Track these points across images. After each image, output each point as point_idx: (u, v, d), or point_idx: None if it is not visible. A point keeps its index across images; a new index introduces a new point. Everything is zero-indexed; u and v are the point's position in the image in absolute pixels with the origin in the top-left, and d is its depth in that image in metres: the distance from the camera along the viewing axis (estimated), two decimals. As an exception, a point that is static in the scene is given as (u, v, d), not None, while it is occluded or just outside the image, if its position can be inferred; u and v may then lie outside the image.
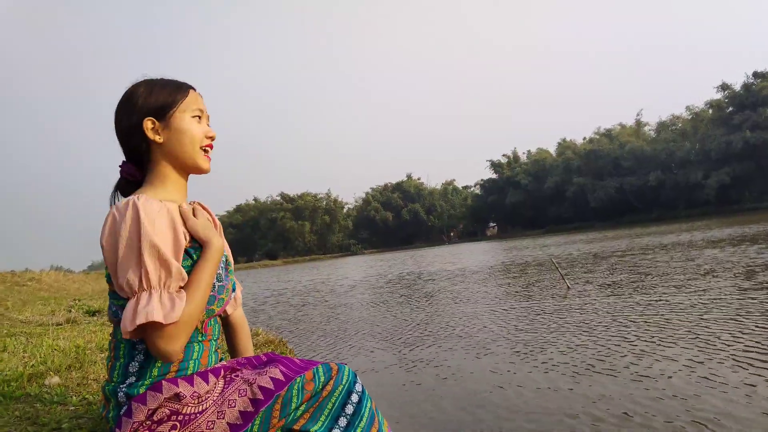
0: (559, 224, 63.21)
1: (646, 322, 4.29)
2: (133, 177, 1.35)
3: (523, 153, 78.34)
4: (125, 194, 1.35)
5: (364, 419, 1.30)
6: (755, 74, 50.87)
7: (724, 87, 52.52)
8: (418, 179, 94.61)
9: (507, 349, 3.88)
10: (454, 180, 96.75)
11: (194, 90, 1.40)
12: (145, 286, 1.14)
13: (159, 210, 1.21)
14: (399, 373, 3.61)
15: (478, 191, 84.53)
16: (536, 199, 68.70)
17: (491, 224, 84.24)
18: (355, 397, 1.32)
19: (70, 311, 7.87)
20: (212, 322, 1.35)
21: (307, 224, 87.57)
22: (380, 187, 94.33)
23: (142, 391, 1.18)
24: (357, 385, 1.34)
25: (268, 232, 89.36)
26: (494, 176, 78.85)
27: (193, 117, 1.35)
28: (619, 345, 3.62)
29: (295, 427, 1.25)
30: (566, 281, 7.26)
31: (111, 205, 1.33)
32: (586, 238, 25.13)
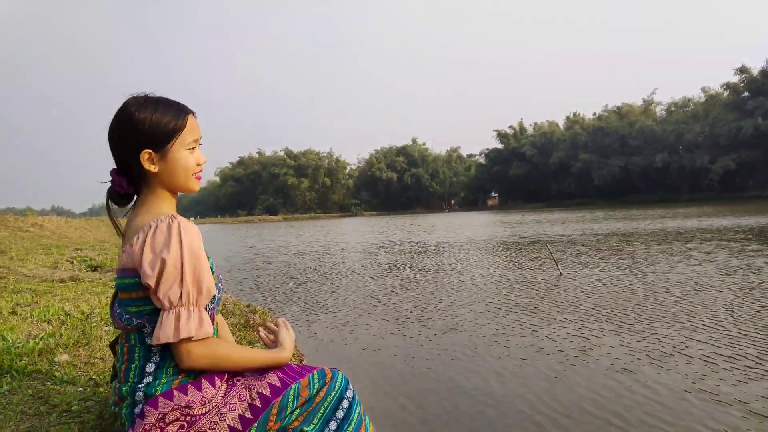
0: (561, 199, 63.21)
1: (632, 314, 4.42)
2: (124, 190, 1.40)
3: (530, 125, 77.54)
4: (119, 205, 1.44)
5: (353, 423, 1.44)
6: (775, 59, 49.73)
7: (742, 70, 51.52)
8: (423, 144, 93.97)
9: (479, 334, 4.02)
10: (459, 147, 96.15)
11: (193, 115, 1.44)
12: (183, 302, 1.28)
13: (196, 232, 1.33)
14: (388, 357, 3.76)
15: (482, 161, 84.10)
16: (540, 172, 68.45)
17: (493, 194, 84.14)
18: (345, 403, 1.45)
19: (72, 263, 8.04)
20: (214, 323, 1.46)
21: (305, 181, 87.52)
22: (385, 149, 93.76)
23: (159, 390, 1.30)
24: (348, 391, 1.48)
25: (269, 187, 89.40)
26: (500, 146, 78.29)
27: (188, 149, 1.40)
28: (598, 336, 3.75)
29: (290, 428, 1.38)
30: (559, 267, 7.38)
31: (109, 214, 1.45)
32: (588, 217, 25.21)
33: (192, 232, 1.32)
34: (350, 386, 1.49)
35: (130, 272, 1.32)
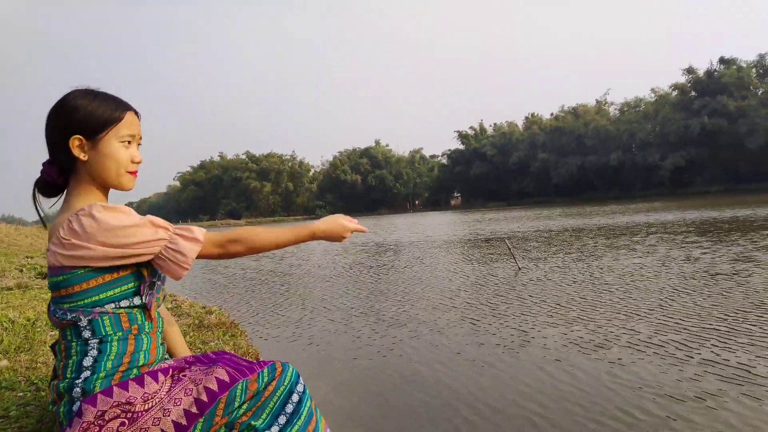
0: (522, 198, 64.54)
1: (573, 306, 4.58)
2: (53, 181, 1.38)
3: (490, 125, 78.89)
4: (46, 196, 1.41)
5: (302, 418, 1.42)
6: (721, 60, 52.08)
7: (690, 71, 53.82)
8: (387, 146, 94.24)
9: (442, 329, 4.09)
10: (422, 148, 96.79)
11: (133, 111, 1.43)
12: (171, 229, 1.35)
13: (102, 204, 1.31)
14: (349, 353, 3.78)
15: (444, 161, 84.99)
16: (501, 172, 69.70)
17: (456, 194, 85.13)
18: (295, 397, 1.43)
19: (21, 271, 7.74)
20: (157, 314, 1.44)
21: (268, 185, 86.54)
22: (348, 151, 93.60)
23: (98, 387, 1.27)
24: (299, 385, 1.46)
25: (231, 191, 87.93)
26: (461, 147, 79.30)
27: (122, 142, 1.38)
28: (536, 327, 3.87)
29: (238, 422, 1.35)
30: (517, 262, 7.55)
31: (35, 205, 1.42)
32: (545, 214, 25.82)
33: (96, 205, 1.29)
34: (300, 380, 1.47)
35: (58, 270, 1.29)
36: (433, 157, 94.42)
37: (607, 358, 3.24)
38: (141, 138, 1.45)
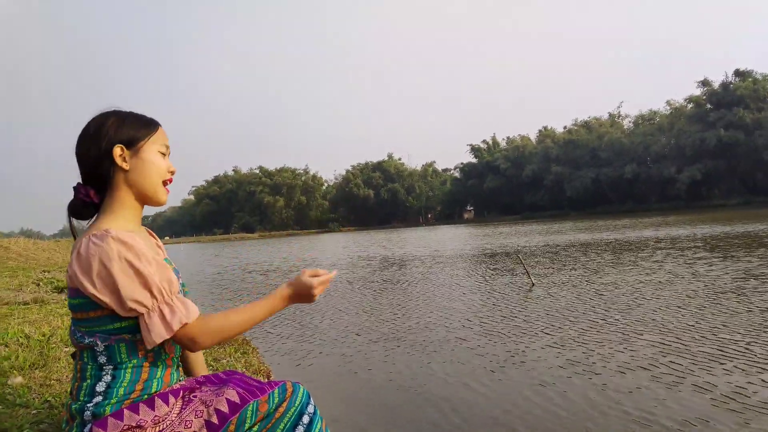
0: (535, 211, 64.16)
1: (603, 324, 4.51)
2: (90, 200, 1.39)
3: (503, 139, 78.88)
4: (81, 218, 1.40)
5: None
6: (737, 72, 51.77)
7: (704, 83, 53.45)
8: (399, 159, 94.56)
9: (459, 346, 4.06)
10: (434, 162, 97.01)
11: (161, 127, 1.47)
12: (159, 300, 1.26)
13: (132, 236, 1.27)
14: (354, 372, 3.76)
15: (457, 175, 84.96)
16: (514, 185, 69.47)
17: (469, 207, 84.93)
18: (306, 419, 1.42)
19: (38, 285, 7.84)
20: (173, 342, 1.41)
21: (281, 199, 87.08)
22: (361, 165, 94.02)
23: (108, 411, 1.27)
24: (309, 406, 1.45)
25: (245, 205, 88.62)
26: (474, 160, 79.28)
27: (160, 152, 1.42)
28: (568, 346, 3.82)
29: None
30: (531, 278, 7.48)
31: (71, 229, 1.40)
32: (560, 228, 25.61)
33: (127, 235, 1.27)
34: (311, 401, 1.46)
35: (74, 293, 1.29)
36: (445, 170, 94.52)
37: (600, 380, 3.18)
38: (169, 152, 1.49)
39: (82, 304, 1.29)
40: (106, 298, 1.24)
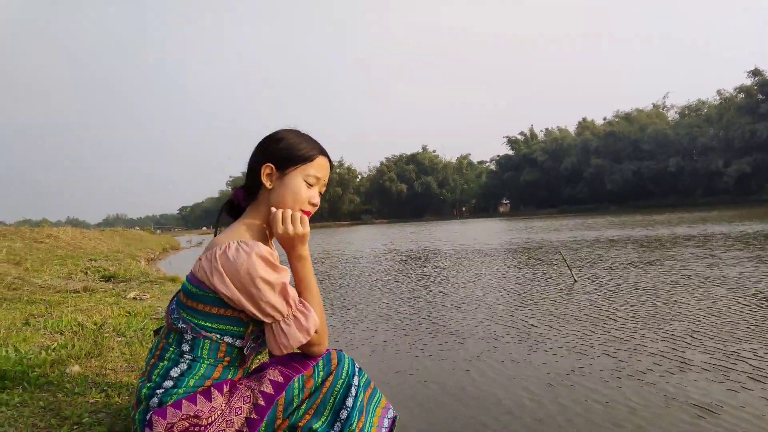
0: (573, 205, 62.85)
1: (649, 324, 4.34)
2: (238, 203, 1.52)
3: (541, 131, 77.35)
4: (228, 215, 1.53)
5: (364, 410, 1.41)
6: (789, 61, 49.26)
7: (755, 73, 51.02)
8: (434, 152, 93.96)
9: (511, 341, 3.96)
10: (469, 154, 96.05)
11: (326, 157, 1.51)
12: (293, 307, 1.37)
13: (271, 252, 1.37)
14: (396, 360, 3.71)
15: (493, 167, 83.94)
16: (552, 178, 68.17)
17: (504, 201, 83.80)
18: (353, 390, 1.41)
19: (86, 274, 8.10)
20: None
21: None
22: (395, 158, 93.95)
23: (174, 399, 1.30)
24: (355, 378, 1.42)
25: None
26: (510, 153, 78.10)
27: (306, 182, 1.46)
28: (620, 346, 3.68)
29: (300, 424, 1.35)
30: (573, 275, 7.28)
31: (216, 222, 1.53)
32: (602, 222, 24.97)
33: (267, 251, 1.35)
34: (356, 369, 1.45)
35: (197, 281, 1.36)
36: (481, 163, 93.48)
37: (658, 382, 3.03)
38: (326, 185, 1.53)
39: (198, 294, 1.35)
40: (246, 303, 1.31)
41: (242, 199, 1.51)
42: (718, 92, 56.08)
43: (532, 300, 5.91)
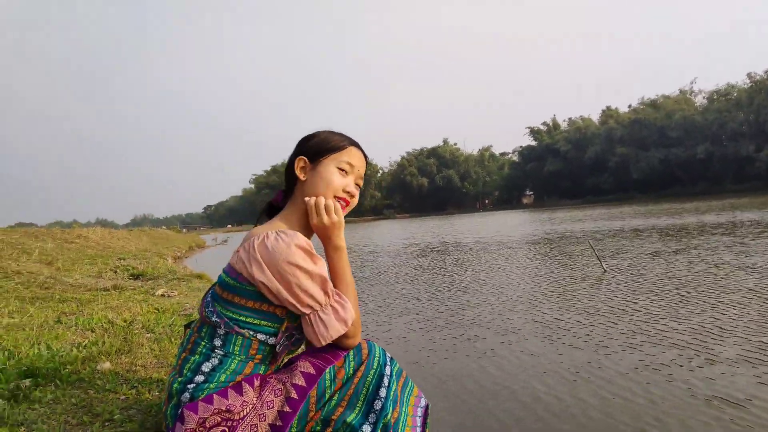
0: (598, 195, 61.77)
1: (682, 316, 4.20)
2: (277, 203, 1.54)
3: (564, 120, 76.10)
4: (267, 215, 1.54)
5: (389, 401, 1.36)
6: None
7: (786, 54, 49.15)
8: (455, 144, 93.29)
9: (532, 334, 3.88)
10: (491, 146, 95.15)
11: (358, 149, 1.52)
12: (331, 297, 1.36)
13: (310, 243, 1.37)
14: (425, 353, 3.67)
15: (515, 158, 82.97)
16: (575, 167, 67.02)
17: (528, 192, 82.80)
18: (386, 381, 1.38)
19: (116, 272, 8.26)
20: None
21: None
22: (416, 152, 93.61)
23: (204, 394, 1.28)
24: (387, 367, 1.39)
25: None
26: (533, 143, 77.07)
27: (340, 169, 1.46)
28: (655, 337, 3.57)
29: (333, 417, 1.32)
30: (603, 265, 7.13)
31: (257, 221, 1.53)
32: (628, 211, 24.48)
33: (306, 241, 1.35)
34: (388, 359, 1.42)
35: (234, 273, 1.35)
36: (503, 154, 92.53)
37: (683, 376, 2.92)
38: (362, 177, 1.54)
39: (235, 286, 1.34)
40: (284, 292, 1.29)
41: (280, 199, 1.54)
42: (749, 75, 54.17)
43: (555, 292, 5.80)
